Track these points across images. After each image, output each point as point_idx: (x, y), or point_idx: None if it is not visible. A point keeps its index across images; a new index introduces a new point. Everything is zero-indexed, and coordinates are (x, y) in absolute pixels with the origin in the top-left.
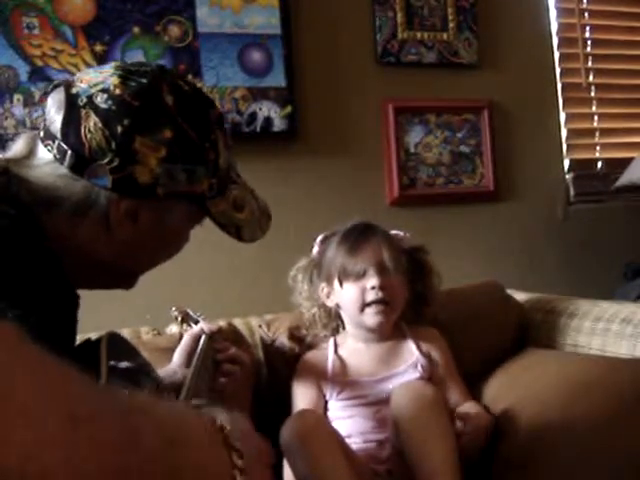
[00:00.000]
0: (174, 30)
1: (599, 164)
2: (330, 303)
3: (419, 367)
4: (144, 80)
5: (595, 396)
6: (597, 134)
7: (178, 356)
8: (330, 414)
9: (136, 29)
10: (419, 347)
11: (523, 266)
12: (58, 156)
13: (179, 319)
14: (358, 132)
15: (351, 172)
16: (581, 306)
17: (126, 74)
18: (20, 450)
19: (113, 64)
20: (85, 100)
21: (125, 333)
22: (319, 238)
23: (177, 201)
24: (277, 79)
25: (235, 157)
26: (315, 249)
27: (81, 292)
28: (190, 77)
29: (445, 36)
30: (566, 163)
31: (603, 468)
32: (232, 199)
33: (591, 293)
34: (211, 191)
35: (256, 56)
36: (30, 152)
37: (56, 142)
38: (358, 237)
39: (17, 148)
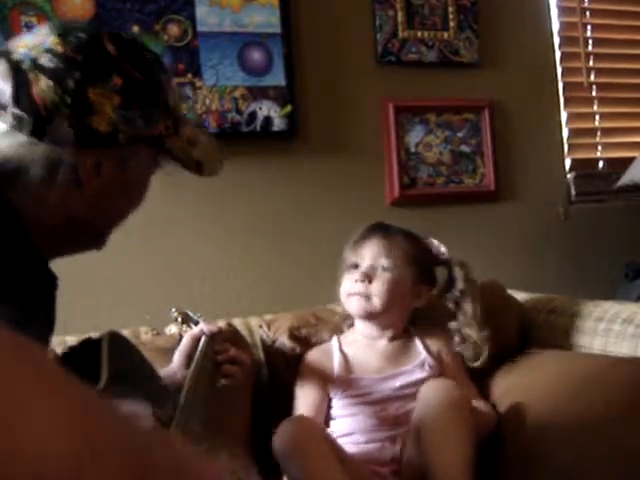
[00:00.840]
0: (173, 29)
1: (600, 164)
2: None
3: (426, 366)
4: (82, 34)
5: (596, 396)
6: (598, 133)
7: (178, 357)
8: (333, 412)
9: (135, 28)
10: (427, 347)
11: (524, 266)
12: (14, 123)
13: (179, 320)
14: (358, 132)
15: (351, 172)
16: (582, 306)
17: (64, 32)
18: (26, 463)
19: (46, 25)
20: (29, 64)
21: (125, 333)
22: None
23: (138, 146)
24: (277, 78)
25: (235, 157)
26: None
27: (81, 293)
28: (190, 76)
29: (446, 35)
30: (567, 163)
31: (604, 467)
32: (186, 137)
33: (592, 293)
34: (168, 131)
35: (256, 55)
36: None
37: (9, 110)
38: (365, 232)
39: None
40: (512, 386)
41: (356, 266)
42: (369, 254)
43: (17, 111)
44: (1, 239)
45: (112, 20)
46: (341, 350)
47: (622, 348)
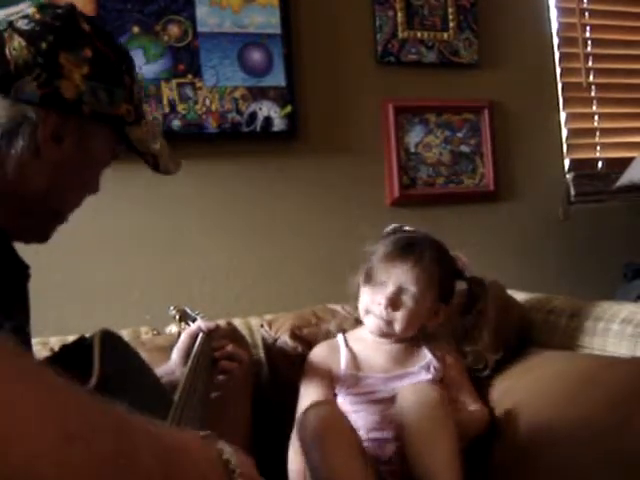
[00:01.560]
0: (174, 30)
1: (599, 164)
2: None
3: (431, 369)
4: (59, 10)
5: (596, 396)
6: (597, 134)
7: (176, 355)
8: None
9: (136, 29)
10: (432, 350)
11: (523, 266)
12: None
13: (177, 318)
14: (358, 132)
15: (351, 172)
16: (581, 306)
17: (42, 5)
18: (16, 463)
19: (26, 2)
20: (5, 25)
21: (124, 333)
22: (392, 226)
23: (99, 124)
24: (277, 79)
25: (235, 157)
26: (383, 233)
27: (81, 293)
28: (190, 77)
29: (445, 36)
30: (566, 163)
31: (603, 467)
32: (145, 129)
33: (591, 293)
34: (129, 117)
35: (256, 56)
36: None
37: None
38: (399, 248)
39: None
40: (511, 386)
41: (381, 284)
42: (397, 278)
43: None
44: None
45: (113, 20)
46: (347, 346)
47: (621, 348)
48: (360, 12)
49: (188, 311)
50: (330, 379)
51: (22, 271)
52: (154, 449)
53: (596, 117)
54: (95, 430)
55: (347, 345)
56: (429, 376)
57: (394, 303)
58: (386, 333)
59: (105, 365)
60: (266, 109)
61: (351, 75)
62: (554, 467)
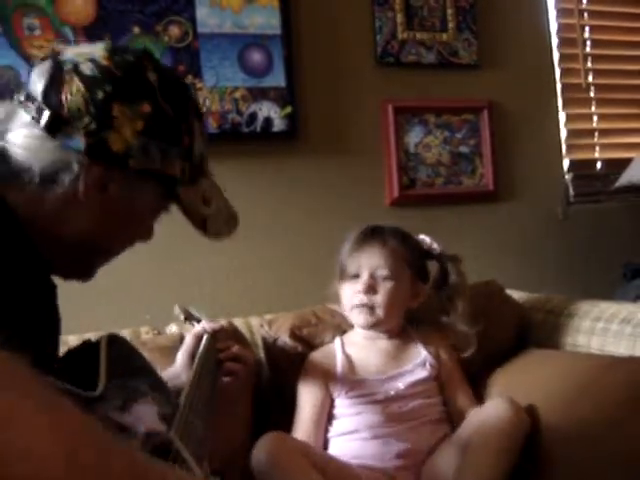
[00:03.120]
0: (174, 30)
1: (598, 164)
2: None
3: (427, 365)
4: (130, 57)
5: (595, 395)
6: (596, 134)
7: (181, 357)
8: (336, 411)
9: (136, 29)
10: (426, 346)
11: (522, 266)
12: (35, 115)
13: (182, 318)
14: (358, 132)
15: (351, 172)
16: (581, 306)
17: (114, 50)
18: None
19: (103, 42)
20: (70, 66)
21: (125, 333)
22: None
23: (148, 179)
24: (277, 79)
25: (235, 158)
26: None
27: (81, 293)
28: (190, 77)
29: (445, 36)
30: (566, 163)
31: (603, 467)
32: (202, 191)
33: (590, 293)
34: (183, 176)
35: (256, 56)
36: (7, 116)
37: (36, 103)
38: (361, 239)
39: None
40: (510, 386)
41: (356, 276)
42: (368, 264)
43: (42, 105)
44: (5, 243)
45: (114, 21)
46: (344, 351)
47: (620, 348)
48: (360, 13)
49: (193, 311)
50: (326, 385)
51: (51, 289)
52: None
53: (595, 118)
54: (102, 464)
55: (343, 349)
56: (425, 373)
57: (371, 287)
58: (373, 323)
59: (111, 370)
60: (266, 109)
61: (351, 76)
62: (554, 466)
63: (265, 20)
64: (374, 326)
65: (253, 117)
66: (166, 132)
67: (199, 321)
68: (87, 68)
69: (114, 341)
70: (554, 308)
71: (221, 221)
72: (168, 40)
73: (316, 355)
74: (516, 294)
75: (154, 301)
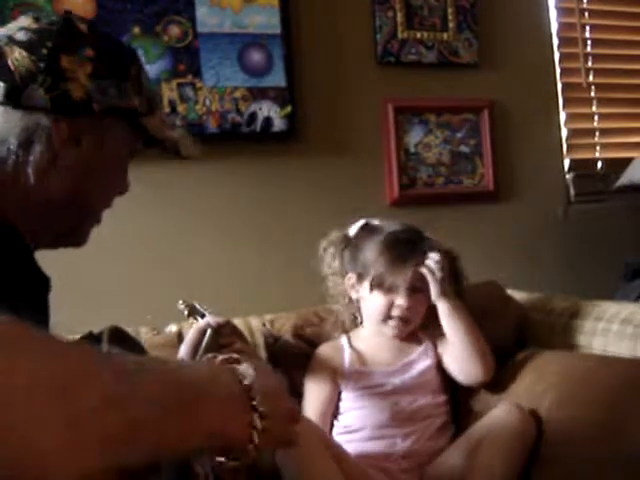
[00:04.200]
0: (174, 30)
1: (599, 164)
2: (354, 294)
3: (429, 352)
4: (54, 17)
5: (595, 396)
6: (597, 134)
7: (184, 350)
8: (343, 405)
9: (136, 29)
10: (424, 335)
11: (523, 266)
12: None
13: (186, 312)
14: (358, 132)
15: (351, 172)
16: (581, 306)
17: (39, 16)
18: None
19: (24, 15)
20: (5, 40)
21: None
22: (361, 222)
23: (114, 119)
24: (277, 79)
25: (236, 157)
26: (353, 231)
27: (81, 293)
28: (190, 77)
29: (445, 36)
30: (566, 163)
31: (603, 467)
32: (162, 118)
33: (591, 293)
34: (142, 107)
35: (256, 56)
36: None
37: None
38: (403, 252)
39: None
40: (510, 386)
41: (395, 289)
42: (410, 280)
43: None
44: None
45: (113, 21)
46: (351, 346)
47: (621, 348)
48: (360, 12)
49: (197, 306)
50: (334, 377)
51: (43, 283)
52: (161, 384)
53: (596, 117)
54: (81, 381)
55: (350, 344)
56: (429, 361)
57: (414, 303)
58: (406, 333)
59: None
60: (266, 109)
61: (351, 75)
62: (553, 466)
63: (265, 20)
64: (404, 333)
65: (253, 117)
66: (114, 69)
67: (203, 316)
68: (21, 35)
69: (117, 333)
70: (554, 308)
71: (189, 141)
72: (168, 40)
73: (324, 349)
74: (516, 294)
75: (154, 301)
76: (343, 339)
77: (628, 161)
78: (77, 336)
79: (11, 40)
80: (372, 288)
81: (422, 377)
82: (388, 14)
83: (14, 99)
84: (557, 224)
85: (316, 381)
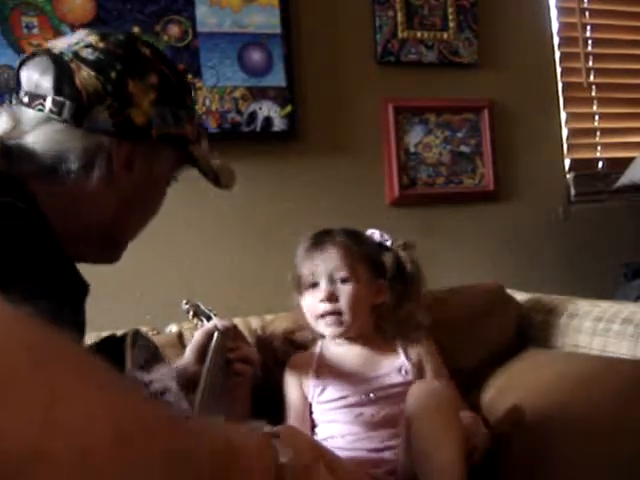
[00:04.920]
0: (174, 30)
1: (600, 164)
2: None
3: (403, 371)
4: (120, 36)
5: (596, 396)
6: (598, 134)
7: (190, 352)
8: (315, 417)
9: (136, 29)
10: (406, 352)
11: (523, 266)
12: (55, 109)
13: (191, 313)
14: (358, 132)
15: (351, 172)
16: (581, 306)
17: (102, 33)
18: (67, 456)
19: (83, 29)
20: (71, 56)
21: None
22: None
23: (166, 146)
24: (277, 79)
25: (235, 157)
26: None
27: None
28: (190, 77)
29: (445, 35)
30: (567, 163)
31: (604, 467)
32: (206, 147)
33: (591, 293)
34: (192, 135)
35: (256, 56)
36: (16, 121)
37: (49, 99)
38: (311, 246)
39: (1, 124)
40: (510, 386)
41: (314, 284)
42: (324, 269)
43: (58, 98)
44: (41, 247)
45: (113, 21)
46: (320, 355)
47: (621, 348)
48: (360, 12)
49: (202, 307)
50: (301, 389)
51: (82, 289)
52: (208, 450)
53: (596, 117)
54: (147, 430)
55: (320, 354)
56: (400, 379)
57: (332, 293)
58: (342, 331)
59: (136, 362)
60: (266, 109)
61: (351, 75)
62: (553, 466)
63: (265, 19)
64: (344, 334)
65: (253, 117)
66: (174, 96)
67: (209, 318)
68: (88, 54)
69: (138, 337)
70: (555, 308)
71: (227, 172)
72: (168, 39)
73: (296, 358)
74: (516, 294)
75: (154, 301)
76: (317, 348)
77: (628, 161)
78: (98, 338)
79: (77, 57)
80: (298, 291)
81: (389, 391)
82: (388, 14)
83: (78, 119)
84: (557, 224)
85: (289, 390)
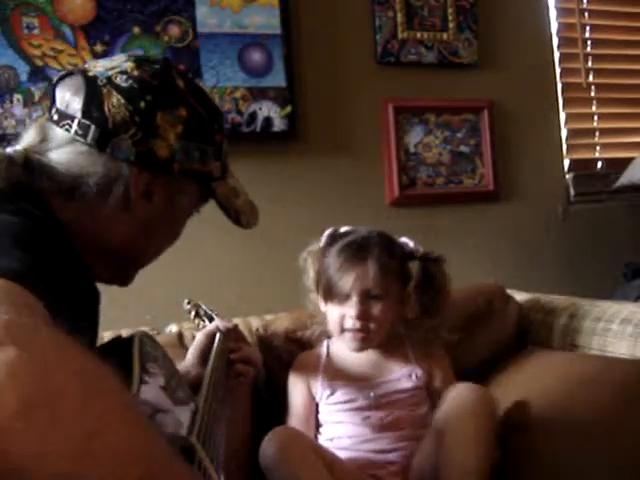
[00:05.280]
0: (174, 30)
1: (599, 164)
2: (322, 308)
3: (413, 377)
4: (157, 65)
5: (595, 396)
6: (597, 134)
7: (192, 354)
8: (321, 417)
9: (136, 29)
10: (418, 359)
11: (523, 266)
12: (80, 132)
13: (193, 313)
14: (358, 132)
15: (351, 172)
16: (581, 306)
17: (139, 60)
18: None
19: (123, 54)
20: (105, 80)
21: (125, 333)
22: (328, 232)
23: (188, 180)
24: (277, 79)
25: (235, 157)
26: (322, 241)
27: None
28: (190, 77)
29: (445, 36)
30: (566, 163)
31: (604, 466)
32: (231, 186)
33: (591, 293)
34: (217, 173)
35: (256, 56)
36: (44, 137)
37: (76, 120)
38: (349, 257)
39: (29, 137)
40: (510, 385)
41: (346, 296)
42: (359, 285)
43: (85, 121)
44: (54, 251)
45: (113, 21)
46: (328, 355)
47: (621, 348)
48: (360, 12)
49: (204, 307)
50: (309, 389)
51: (95, 296)
52: None
53: (596, 117)
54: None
55: (328, 353)
56: (410, 384)
57: (365, 312)
58: (367, 346)
59: (143, 365)
60: (266, 109)
61: (351, 75)
62: (553, 467)
63: (265, 20)
64: (365, 347)
65: (253, 117)
66: (202, 133)
67: (210, 318)
68: (122, 80)
69: (146, 340)
70: (554, 308)
71: (249, 212)
72: (168, 40)
73: (303, 357)
74: (516, 294)
75: (154, 301)
76: (324, 346)
77: (628, 161)
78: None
79: (110, 83)
80: (325, 298)
81: (397, 396)
82: (388, 14)
83: (101, 144)
84: (557, 224)
85: (295, 389)
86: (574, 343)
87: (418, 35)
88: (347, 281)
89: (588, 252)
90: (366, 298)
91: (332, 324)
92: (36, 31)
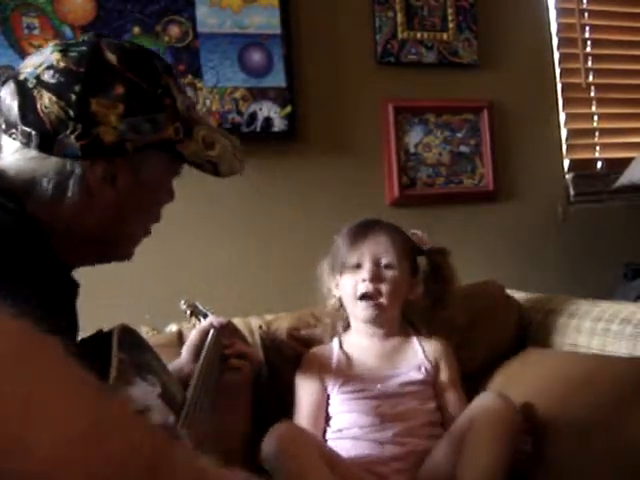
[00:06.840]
0: (174, 30)
1: (599, 164)
2: (337, 294)
3: (423, 369)
4: (83, 47)
5: (595, 396)
6: (597, 134)
7: (186, 351)
8: (331, 409)
9: (136, 29)
10: (425, 351)
11: (523, 266)
12: (24, 140)
13: (188, 312)
14: (358, 132)
15: (351, 172)
16: (581, 306)
17: (65, 48)
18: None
19: (51, 44)
20: (34, 81)
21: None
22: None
23: (148, 153)
24: (277, 79)
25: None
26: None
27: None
28: (190, 77)
29: (445, 36)
30: (566, 163)
31: (604, 466)
32: (201, 139)
33: (591, 293)
34: (177, 135)
35: (256, 56)
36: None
37: (18, 128)
38: (360, 230)
39: None
40: (510, 385)
41: (358, 266)
42: (371, 252)
43: (25, 128)
44: (30, 245)
45: (113, 21)
46: (341, 348)
47: (620, 348)
48: (360, 12)
49: (199, 306)
50: (322, 380)
51: (72, 289)
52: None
53: (595, 117)
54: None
55: (341, 347)
56: (420, 377)
57: (377, 275)
58: (378, 314)
59: (122, 356)
60: (266, 109)
61: (351, 75)
62: (553, 464)
63: (265, 20)
64: (378, 317)
65: (253, 117)
66: (147, 103)
67: (205, 316)
68: (49, 77)
69: (126, 332)
70: (554, 308)
71: (230, 157)
72: (168, 40)
73: (314, 352)
74: (516, 294)
75: (154, 301)
76: (334, 342)
77: (628, 161)
78: (86, 334)
79: (39, 82)
80: (341, 274)
81: (408, 388)
82: (388, 14)
83: (46, 147)
84: (557, 224)
85: (305, 384)
86: (574, 343)
87: (418, 35)
88: (358, 249)
89: (588, 252)
90: (378, 265)
91: (347, 294)
92: (36, 31)
